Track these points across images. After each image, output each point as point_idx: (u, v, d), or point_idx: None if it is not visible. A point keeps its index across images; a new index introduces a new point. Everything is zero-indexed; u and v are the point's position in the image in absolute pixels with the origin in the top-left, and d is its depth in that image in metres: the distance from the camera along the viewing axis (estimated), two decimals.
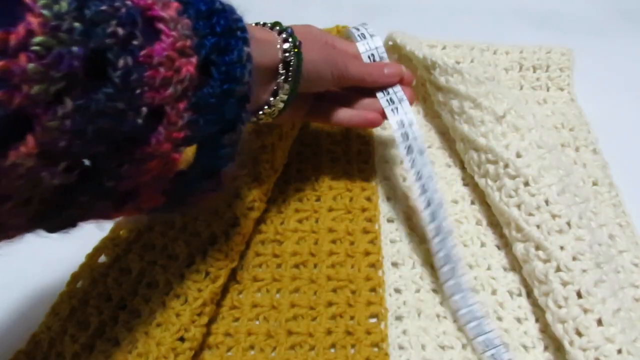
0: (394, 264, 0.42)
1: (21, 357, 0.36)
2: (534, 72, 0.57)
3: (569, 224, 0.38)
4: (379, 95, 0.42)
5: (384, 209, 0.46)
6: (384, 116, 0.41)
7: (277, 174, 0.45)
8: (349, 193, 0.47)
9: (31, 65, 0.19)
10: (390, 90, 0.42)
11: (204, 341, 0.37)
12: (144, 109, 0.24)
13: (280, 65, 0.35)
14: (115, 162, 0.25)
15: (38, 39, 0.19)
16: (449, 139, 0.50)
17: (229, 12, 0.29)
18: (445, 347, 0.37)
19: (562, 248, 0.37)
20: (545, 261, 0.37)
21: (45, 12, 0.20)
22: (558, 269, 0.36)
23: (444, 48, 0.58)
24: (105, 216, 0.28)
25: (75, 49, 0.21)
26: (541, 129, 0.43)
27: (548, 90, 0.56)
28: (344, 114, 0.42)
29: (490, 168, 0.42)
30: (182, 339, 0.35)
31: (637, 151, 0.50)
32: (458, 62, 0.56)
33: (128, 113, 0.24)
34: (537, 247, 0.38)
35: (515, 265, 0.41)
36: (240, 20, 0.29)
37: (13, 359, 0.37)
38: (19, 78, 0.19)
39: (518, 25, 0.66)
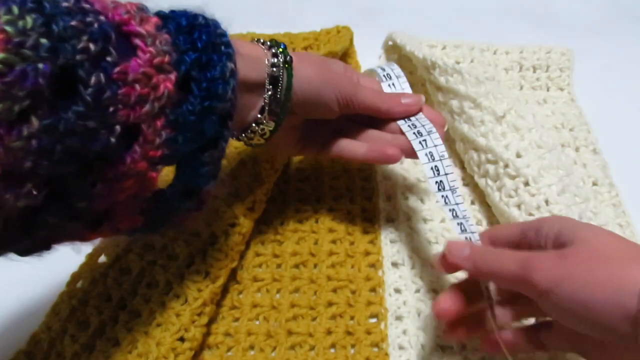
0: (394, 264, 0.42)
1: (21, 357, 0.36)
2: (534, 72, 0.57)
3: None
4: (403, 126, 0.38)
5: (384, 208, 0.46)
6: (403, 152, 0.38)
7: (277, 173, 0.45)
8: (349, 193, 0.47)
9: None
10: (414, 119, 0.38)
11: (204, 341, 0.37)
12: (118, 127, 0.24)
13: (267, 81, 0.33)
14: (86, 182, 0.24)
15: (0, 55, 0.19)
16: (449, 139, 0.50)
17: (212, 27, 0.28)
18: (445, 347, 0.37)
19: None
20: None
21: (8, 28, 0.19)
22: None
23: (444, 48, 0.58)
24: (80, 237, 0.27)
25: (41, 65, 0.20)
26: (541, 129, 0.43)
27: (548, 90, 0.56)
28: (360, 148, 0.39)
29: (490, 168, 0.42)
30: (182, 339, 0.35)
31: (637, 151, 0.50)
32: (458, 62, 0.56)
33: (100, 132, 0.23)
34: None
35: None
36: (224, 35, 0.28)
37: (13, 359, 0.37)
38: None
39: (518, 25, 0.66)
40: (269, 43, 0.34)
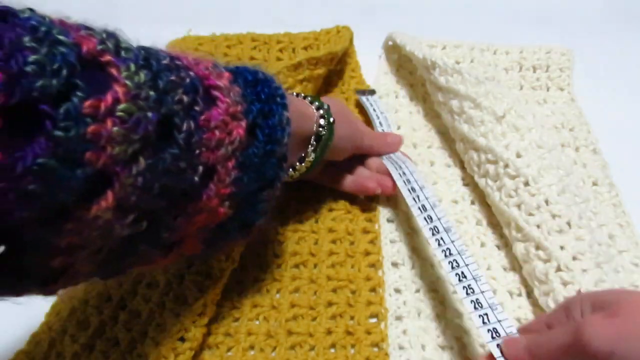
0: (394, 264, 0.42)
1: (21, 357, 0.37)
2: (534, 72, 0.57)
3: (569, 223, 0.38)
4: (385, 161, 0.45)
5: (384, 209, 0.46)
6: (381, 185, 0.44)
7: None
8: (349, 193, 0.47)
9: (115, 129, 0.21)
10: (392, 156, 0.46)
11: (204, 341, 0.37)
12: (201, 168, 0.27)
13: (313, 137, 0.38)
14: (171, 215, 0.27)
15: (122, 105, 0.21)
16: (449, 139, 0.50)
17: (270, 81, 0.32)
18: (445, 347, 0.37)
19: (562, 248, 0.37)
20: (546, 261, 0.37)
21: (128, 82, 0.22)
22: (558, 269, 0.36)
23: (444, 48, 0.58)
24: (151, 263, 0.30)
25: (150, 114, 0.23)
26: (541, 129, 0.43)
27: (548, 90, 0.56)
28: (348, 181, 0.45)
29: (490, 168, 0.42)
30: (182, 339, 0.35)
31: (637, 151, 0.50)
32: (458, 62, 0.56)
33: (188, 171, 0.26)
34: (537, 247, 0.38)
35: (515, 265, 0.41)
36: (279, 88, 0.32)
37: (13, 359, 0.37)
38: (105, 140, 0.21)
39: (518, 25, 0.66)
40: (317, 103, 0.39)
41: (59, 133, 0.19)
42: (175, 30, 0.59)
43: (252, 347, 0.38)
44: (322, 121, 0.38)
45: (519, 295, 0.40)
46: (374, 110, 0.52)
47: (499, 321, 0.31)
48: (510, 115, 0.43)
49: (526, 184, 0.40)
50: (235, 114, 0.29)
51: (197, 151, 0.26)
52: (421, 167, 0.49)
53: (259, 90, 0.31)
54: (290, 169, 0.39)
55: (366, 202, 0.46)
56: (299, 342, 0.37)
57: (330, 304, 0.39)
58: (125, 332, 0.36)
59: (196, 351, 0.36)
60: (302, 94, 0.40)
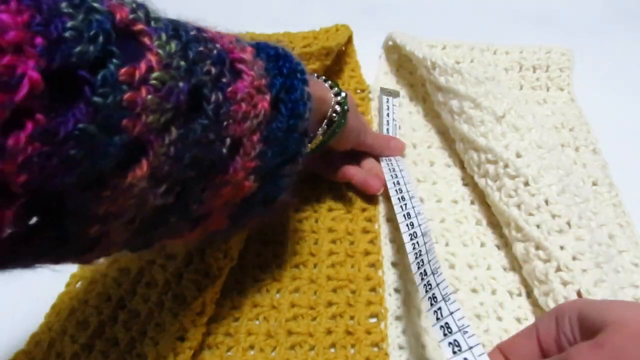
0: (394, 264, 0.42)
1: (21, 357, 0.36)
2: (534, 72, 0.57)
3: (569, 223, 0.38)
4: (383, 164, 0.46)
5: (384, 209, 0.46)
6: (365, 183, 0.45)
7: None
8: (349, 193, 0.47)
9: (150, 97, 0.21)
10: (392, 160, 0.47)
11: (203, 341, 0.37)
12: (228, 140, 0.27)
13: (326, 121, 0.38)
14: (199, 187, 0.27)
15: (156, 74, 0.22)
16: (449, 139, 0.50)
17: (290, 57, 0.33)
18: None
19: (562, 248, 0.37)
20: (546, 261, 0.37)
21: (160, 51, 0.22)
22: (558, 269, 0.36)
23: (444, 48, 0.58)
24: (179, 236, 0.30)
25: (181, 83, 0.23)
26: (541, 129, 0.43)
27: (548, 90, 0.56)
28: (351, 172, 0.46)
29: (490, 168, 0.42)
30: (181, 339, 0.35)
31: (637, 151, 0.50)
32: (458, 62, 0.56)
33: (216, 143, 0.26)
34: (537, 247, 0.38)
35: (515, 265, 0.41)
36: (299, 64, 0.33)
37: (13, 359, 0.37)
38: (140, 108, 0.21)
39: (518, 25, 0.66)
40: (336, 89, 0.39)
41: (97, 99, 0.19)
42: None
43: (252, 347, 0.38)
44: (337, 107, 0.38)
45: (519, 295, 0.40)
46: (388, 114, 0.52)
47: (470, 348, 0.28)
48: (510, 115, 0.43)
49: (526, 184, 0.40)
50: (260, 87, 0.29)
51: (225, 123, 0.26)
52: (421, 167, 0.49)
53: (280, 65, 0.31)
54: None
55: (366, 202, 0.46)
56: (299, 342, 0.37)
57: (330, 303, 0.39)
58: (125, 332, 0.36)
59: (196, 351, 0.36)
60: (323, 77, 0.40)
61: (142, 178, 0.23)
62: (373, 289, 0.40)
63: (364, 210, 0.46)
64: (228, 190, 0.29)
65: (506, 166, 0.41)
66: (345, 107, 0.39)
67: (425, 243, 0.36)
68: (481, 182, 0.44)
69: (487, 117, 0.44)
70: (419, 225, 0.38)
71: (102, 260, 0.28)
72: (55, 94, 0.18)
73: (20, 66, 0.17)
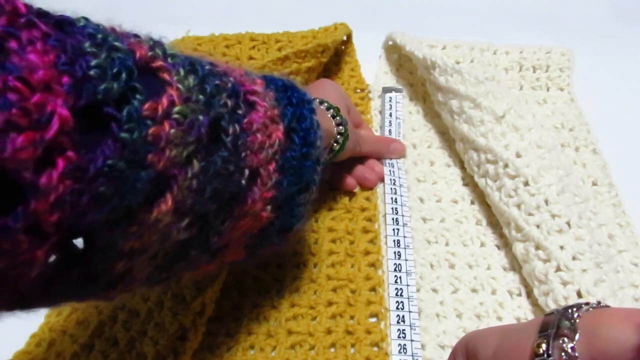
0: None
1: (21, 357, 0.36)
2: (534, 72, 0.57)
3: (568, 223, 0.38)
4: (385, 168, 0.47)
5: (383, 208, 0.46)
6: (361, 180, 0.47)
7: None
8: (349, 193, 0.47)
9: (173, 131, 0.21)
10: (394, 166, 0.48)
11: (203, 341, 0.37)
12: (247, 171, 0.27)
13: (328, 149, 0.39)
14: (220, 220, 0.27)
15: (177, 108, 0.22)
16: (449, 139, 0.50)
17: (296, 87, 0.33)
18: (445, 346, 0.37)
19: (562, 248, 0.37)
20: (545, 261, 0.37)
21: (180, 85, 0.22)
22: (558, 269, 0.36)
23: (444, 48, 0.58)
24: (197, 269, 0.30)
25: (201, 117, 0.23)
26: (541, 129, 0.43)
27: (548, 90, 0.57)
28: (350, 183, 0.47)
29: (490, 168, 0.42)
30: (181, 339, 0.35)
31: (637, 151, 0.50)
32: (458, 62, 0.56)
33: (235, 174, 0.27)
34: (537, 247, 0.38)
35: (515, 265, 0.41)
36: (305, 94, 0.34)
37: (13, 359, 0.37)
38: (164, 142, 0.21)
39: (518, 25, 0.66)
40: (338, 119, 0.40)
41: (124, 135, 0.19)
42: (175, 30, 0.59)
43: (252, 347, 0.38)
44: (339, 137, 0.40)
45: (519, 295, 0.40)
46: (391, 114, 0.52)
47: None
48: (510, 115, 0.43)
49: (526, 184, 0.40)
50: (273, 118, 0.29)
51: (243, 154, 0.27)
52: (421, 167, 0.49)
53: (289, 95, 0.32)
54: None
55: (366, 202, 0.46)
56: (299, 342, 0.37)
57: (330, 303, 0.39)
58: (124, 331, 0.36)
59: (196, 350, 0.36)
60: (326, 103, 0.40)
61: (167, 212, 0.23)
62: (373, 289, 0.40)
63: (364, 210, 0.46)
64: (247, 221, 0.29)
65: (506, 166, 0.41)
66: (346, 134, 0.40)
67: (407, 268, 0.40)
68: (481, 182, 0.44)
69: (487, 117, 0.44)
70: (405, 243, 0.42)
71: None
72: (83, 131, 0.18)
73: (50, 104, 0.17)
